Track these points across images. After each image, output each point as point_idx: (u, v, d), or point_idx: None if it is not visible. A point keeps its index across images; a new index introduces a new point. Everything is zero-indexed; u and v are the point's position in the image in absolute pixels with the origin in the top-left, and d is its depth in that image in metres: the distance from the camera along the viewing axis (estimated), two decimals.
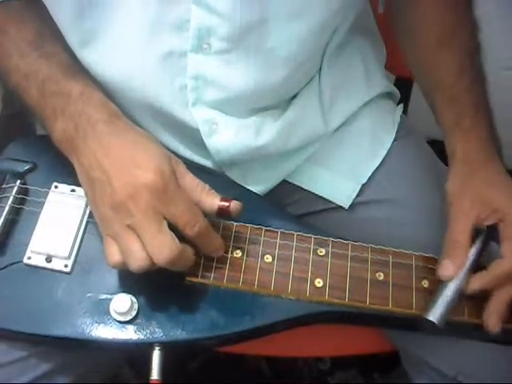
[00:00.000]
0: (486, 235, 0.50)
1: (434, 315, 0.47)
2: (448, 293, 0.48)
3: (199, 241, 0.46)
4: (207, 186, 0.48)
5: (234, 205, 0.47)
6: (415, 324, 0.49)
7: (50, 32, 0.52)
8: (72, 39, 0.52)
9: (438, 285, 0.49)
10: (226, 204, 0.47)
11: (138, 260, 0.44)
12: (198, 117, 0.54)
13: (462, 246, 0.49)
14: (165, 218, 0.44)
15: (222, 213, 0.47)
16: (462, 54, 0.58)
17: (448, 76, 0.58)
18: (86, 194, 0.48)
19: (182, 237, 0.45)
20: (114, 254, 0.45)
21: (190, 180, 0.47)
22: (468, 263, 0.49)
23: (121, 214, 0.44)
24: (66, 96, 0.48)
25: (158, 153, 0.46)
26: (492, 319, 0.48)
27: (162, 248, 0.43)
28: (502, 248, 0.49)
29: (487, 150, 0.55)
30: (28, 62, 0.50)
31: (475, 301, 0.49)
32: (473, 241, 0.50)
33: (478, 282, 0.48)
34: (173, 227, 0.44)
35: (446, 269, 0.49)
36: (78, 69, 0.51)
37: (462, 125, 0.56)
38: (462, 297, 0.48)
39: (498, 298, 0.48)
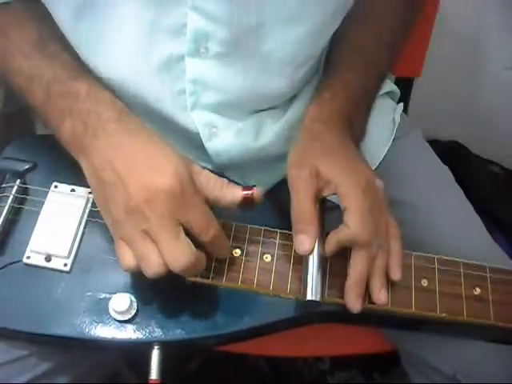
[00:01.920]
0: (321, 205, 0.49)
1: (313, 294, 0.46)
2: (314, 267, 0.47)
3: (213, 246, 0.46)
4: (225, 180, 0.47)
5: (257, 191, 0.47)
6: (418, 325, 0.49)
7: (52, 33, 0.52)
8: (72, 40, 0.52)
9: (302, 263, 0.48)
10: (250, 192, 0.47)
11: (154, 266, 0.43)
12: (198, 120, 0.54)
13: (309, 218, 0.47)
14: (180, 224, 0.44)
15: (246, 202, 0.47)
16: (373, 38, 0.58)
17: (345, 51, 0.57)
18: (96, 195, 0.47)
19: (193, 242, 0.45)
20: (129, 259, 0.44)
21: (206, 178, 0.47)
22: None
23: (136, 219, 0.43)
24: (73, 96, 0.47)
25: (173, 154, 0.45)
26: (348, 296, 0.47)
27: (180, 256, 0.43)
28: (345, 219, 0.47)
29: (335, 125, 0.52)
30: (32, 63, 0.50)
31: (474, 301, 0.49)
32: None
33: (327, 247, 0.47)
34: (187, 232, 0.44)
35: (303, 244, 0.47)
36: (82, 69, 0.51)
37: (321, 96, 0.54)
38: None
39: (352, 273, 0.47)
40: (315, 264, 0.47)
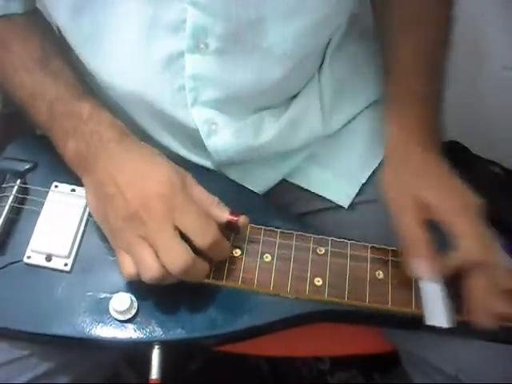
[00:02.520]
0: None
1: (446, 320, 0.46)
2: (440, 292, 0.47)
3: (211, 251, 0.46)
4: (216, 199, 0.48)
5: (243, 219, 0.48)
6: (418, 325, 0.49)
7: (54, 47, 0.53)
8: (71, 39, 0.52)
9: (419, 284, 0.48)
10: (235, 218, 0.48)
11: (151, 270, 0.44)
12: (197, 117, 0.54)
13: (421, 239, 0.47)
14: (177, 229, 0.44)
15: (231, 226, 0.48)
16: (428, 40, 0.58)
17: (404, 56, 0.58)
18: (95, 209, 0.49)
19: (195, 248, 0.45)
20: (128, 266, 0.45)
21: (199, 192, 0.48)
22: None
23: (133, 224, 0.45)
24: (76, 117, 0.49)
25: (167, 166, 0.47)
26: (480, 316, 0.46)
27: (176, 257, 0.44)
28: (458, 243, 0.47)
29: (421, 140, 0.53)
30: (34, 80, 0.51)
31: None
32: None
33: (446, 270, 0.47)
34: (185, 238, 0.45)
35: (420, 267, 0.47)
36: (84, 88, 0.53)
37: (398, 111, 0.55)
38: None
39: (475, 293, 0.47)
40: (440, 289, 0.47)
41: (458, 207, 0.47)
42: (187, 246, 0.44)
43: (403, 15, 0.59)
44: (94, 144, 0.48)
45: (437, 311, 0.47)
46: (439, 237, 0.48)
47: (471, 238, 0.46)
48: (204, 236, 0.45)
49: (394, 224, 0.49)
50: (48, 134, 0.51)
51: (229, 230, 0.48)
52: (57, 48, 0.53)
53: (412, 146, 0.53)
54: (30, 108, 0.52)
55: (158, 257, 0.44)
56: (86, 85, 0.54)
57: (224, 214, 0.48)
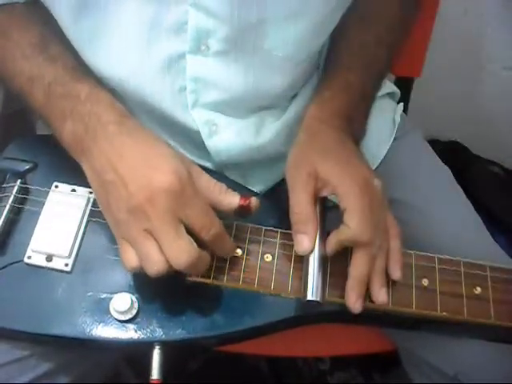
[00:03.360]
0: (321, 205, 0.49)
1: (314, 294, 0.46)
2: (314, 267, 0.47)
3: (214, 244, 0.46)
4: (224, 186, 0.48)
5: (255, 201, 0.48)
6: (418, 325, 0.49)
7: (53, 34, 0.52)
8: (73, 38, 0.52)
9: (303, 263, 0.48)
10: (247, 201, 0.47)
11: (156, 264, 0.43)
12: (198, 118, 0.54)
13: (308, 218, 0.47)
14: (182, 222, 0.44)
15: (242, 211, 0.47)
16: (372, 38, 0.58)
17: (343, 52, 0.58)
18: (98, 197, 0.47)
19: (196, 240, 0.45)
20: (131, 259, 0.45)
21: (206, 181, 0.47)
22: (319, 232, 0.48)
23: (138, 218, 0.44)
24: (74, 98, 0.48)
25: (172, 155, 0.46)
26: (349, 296, 0.47)
27: (181, 252, 0.43)
28: (345, 219, 0.47)
29: (335, 123, 0.52)
30: (33, 65, 0.50)
31: (475, 301, 0.49)
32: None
33: (328, 247, 0.47)
34: (189, 231, 0.44)
35: (302, 244, 0.47)
36: (83, 70, 0.51)
37: (321, 95, 0.55)
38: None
39: (352, 273, 0.47)
40: (316, 264, 0.47)
41: (352, 184, 0.47)
42: (192, 240, 0.44)
43: (354, 14, 0.58)
44: (92, 125, 0.46)
45: (309, 286, 0.46)
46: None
47: (354, 213, 0.46)
48: (209, 229, 0.45)
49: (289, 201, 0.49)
50: (46, 120, 0.50)
51: (239, 215, 0.48)
52: (57, 35, 0.52)
53: (324, 126, 0.52)
54: (28, 93, 0.50)
55: (162, 251, 0.43)
56: (86, 67, 0.52)
57: (235, 199, 0.47)
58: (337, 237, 0.47)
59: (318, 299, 0.46)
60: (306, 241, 0.47)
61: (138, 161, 0.45)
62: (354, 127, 0.53)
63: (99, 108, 0.47)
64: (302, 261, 0.49)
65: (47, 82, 0.49)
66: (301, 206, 0.48)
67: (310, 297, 0.46)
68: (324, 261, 0.48)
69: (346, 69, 0.56)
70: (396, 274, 0.48)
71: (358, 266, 0.47)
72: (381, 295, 0.47)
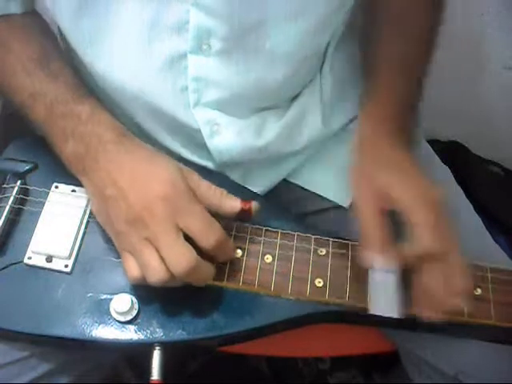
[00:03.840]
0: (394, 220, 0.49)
1: (395, 311, 0.46)
2: (392, 282, 0.47)
3: (215, 251, 0.46)
4: (225, 190, 0.48)
5: (255, 205, 0.48)
6: (418, 325, 0.49)
7: (53, 48, 0.53)
8: (73, 40, 0.52)
9: (369, 273, 0.48)
10: (248, 205, 0.48)
11: (156, 273, 0.44)
12: (200, 118, 0.54)
13: (377, 230, 0.47)
14: (180, 230, 0.44)
15: (243, 215, 0.48)
16: (413, 48, 0.59)
17: (386, 57, 0.58)
18: (98, 212, 0.48)
19: (199, 250, 0.45)
20: (133, 270, 0.45)
21: (206, 187, 0.48)
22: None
23: (137, 228, 0.44)
24: (75, 118, 0.49)
25: (169, 165, 0.47)
26: (429, 310, 0.46)
27: (180, 259, 0.43)
28: (413, 234, 0.46)
29: (391, 134, 0.53)
30: (35, 81, 0.51)
31: (474, 302, 0.49)
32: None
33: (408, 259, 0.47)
34: (189, 240, 0.44)
35: (373, 258, 0.47)
36: (84, 89, 0.52)
37: (371, 105, 0.56)
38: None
39: (427, 286, 0.47)
40: (393, 280, 0.46)
41: (416, 197, 0.47)
42: (191, 247, 0.44)
43: (388, 16, 0.59)
44: (94, 145, 0.48)
45: (387, 301, 0.46)
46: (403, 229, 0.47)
47: (426, 227, 0.46)
48: (208, 237, 0.45)
49: (355, 214, 0.49)
50: (47, 135, 0.51)
51: (241, 219, 0.49)
52: (56, 49, 0.53)
53: (380, 138, 0.53)
54: (30, 109, 0.51)
55: (162, 258, 0.44)
56: (87, 85, 0.54)
57: (236, 204, 0.48)
58: (413, 252, 0.47)
59: (399, 316, 0.46)
60: (376, 254, 0.47)
61: (136, 174, 0.46)
62: (405, 134, 0.54)
63: (100, 128, 0.48)
64: (301, 261, 0.49)
65: (49, 100, 0.50)
66: (369, 219, 0.48)
67: (390, 314, 0.46)
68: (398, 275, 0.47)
69: (393, 76, 0.57)
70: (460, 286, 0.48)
71: (434, 279, 0.46)
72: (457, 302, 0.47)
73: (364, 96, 0.58)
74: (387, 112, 0.55)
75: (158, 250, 0.44)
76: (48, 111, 0.50)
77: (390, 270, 0.47)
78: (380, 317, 0.50)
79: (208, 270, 0.46)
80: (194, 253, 0.44)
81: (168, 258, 0.44)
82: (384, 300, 0.46)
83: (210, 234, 0.45)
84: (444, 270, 0.46)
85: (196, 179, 0.48)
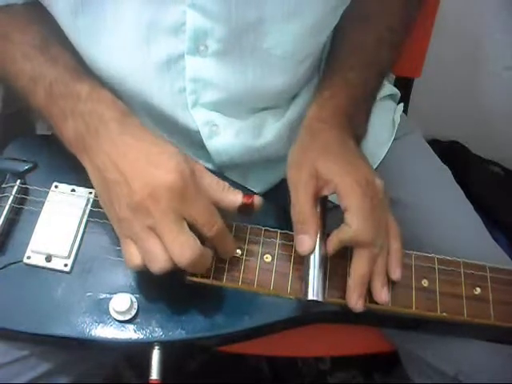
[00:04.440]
0: (322, 205, 0.49)
1: (315, 294, 0.46)
2: (315, 267, 0.47)
3: (216, 242, 0.46)
4: (227, 184, 0.48)
5: (257, 199, 0.48)
6: (418, 325, 0.49)
7: (53, 34, 0.52)
8: (71, 38, 0.52)
9: (303, 263, 0.48)
10: (250, 199, 0.47)
11: (159, 262, 0.43)
12: (198, 119, 0.54)
13: (309, 218, 0.47)
14: (184, 219, 0.44)
15: (245, 208, 0.47)
16: (372, 37, 0.58)
17: (344, 50, 0.58)
18: (100, 195, 0.47)
19: (199, 238, 0.45)
20: (135, 257, 0.45)
21: (209, 178, 0.47)
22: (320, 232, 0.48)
23: (140, 215, 0.44)
24: (74, 97, 0.48)
25: (174, 152, 0.46)
26: (350, 296, 0.47)
27: (184, 249, 0.43)
28: (346, 218, 0.47)
29: (335, 123, 0.52)
30: (34, 65, 0.50)
31: (474, 301, 0.49)
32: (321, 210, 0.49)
33: (330, 246, 0.47)
34: (191, 229, 0.44)
35: (303, 244, 0.47)
36: (84, 70, 0.51)
37: (321, 94, 0.54)
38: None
39: (353, 273, 0.47)
40: (316, 264, 0.47)
41: (351, 182, 0.47)
42: (195, 237, 0.44)
43: (354, 14, 0.58)
44: (94, 124, 0.46)
45: (309, 286, 0.46)
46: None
47: (356, 213, 0.46)
48: (212, 225, 0.45)
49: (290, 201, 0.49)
50: (47, 118, 0.50)
51: (243, 213, 0.48)
52: (57, 35, 0.52)
53: (325, 126, 0.52)
54: (30, 94, 0.50)
55: (165, 247, 0.43)
56: (87, 66, 0.53)
57: (238, 197, 0.47)
58: (338, 236, 0.47)
59: (319, 299, 0.46)
60: (307, 241, 0.47)
61: (141, 159, 0.45)
62: (354, 126, 0.53)
63: (100, 106, 0.47)
64: (302, 261, 0.49)
65: (48, 82, 0.49)
66: (302, 206, 0.48)
67: (310, 296, 0.46)
68: (324, 261, 0.48)
69: (347, 68, 0.56)
70: (396, 274, 0.48)
71: (358, 266, 0.47)
72: (383, 295, 0.47)
73: (320, 82, 0.58)
74: (339, 101, 0.54)
75: (161, 239, 0.44)
76: (47, 93, 0.49)
77: (322, 255, 0.47)
78: (380, 317, 0.50)
79: (209, 258, 0.46)
80: (198, 242, 0.44)
81: (172, 249, 0.43)
82: (312, 285, 0.46)
83: (213, 223, 0.45)
84: (373, 259, 0.47)
85: (200, 169, 0.47)
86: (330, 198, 0.64)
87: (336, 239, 0.47)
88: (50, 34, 0.52)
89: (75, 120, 0.47)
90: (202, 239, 0.45)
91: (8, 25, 0.52)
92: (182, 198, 0.43)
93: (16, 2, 0.53)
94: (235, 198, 0.47)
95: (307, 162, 0.49)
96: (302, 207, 0.48)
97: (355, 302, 0.47)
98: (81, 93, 0.48)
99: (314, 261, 0.47)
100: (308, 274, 0.47)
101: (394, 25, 0.59)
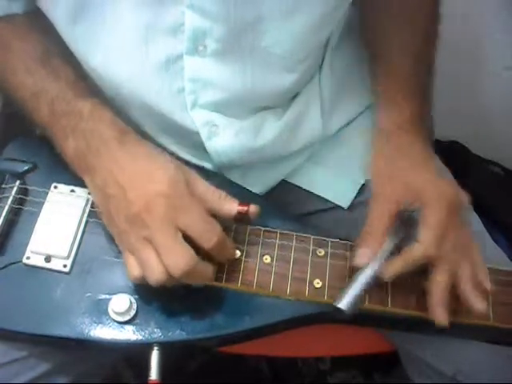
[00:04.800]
0: (407, 220, 0.49)
1: (343, 304, 0.46)
2: (360, 280, 0.47)
3: (215, 252, 0.46)
4: (223, 193, 0.48)
5: (253, 208, 0.48)
6: (418, 326, 0.49)
7: (54, 45, 0.53)
8: (70, 42, 0.52)
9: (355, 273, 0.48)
10: (245, 208, 0.48)
11: (155, 273, 0.44)
12: (198, 119, 0.54)
13: (376, 232, 0.48)
14: (180, 230, 0.44)
15: (241, 217, 0.48)
16: (420, 39, 0.59)
17: (394, 54, 0.59)
18: (102, 211, 0.48)
19: (197, 250, 0.45)
20: (134, 268, 0.45)
21: (204, 188, 0.47)
22: (382, 249, 0.48)
23: (136, 226, 0.44)
24: (76, 115, 0.49)
25: (169, 165, 0.47)
26: (437, 311, 0.47)
27: (177, 259, 0.43)
28: (418, 234, 0.47)
29: (415, 129, 0.53)
30: (36, 79, 0.51)
31: None
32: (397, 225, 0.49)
33: (391, 268, 0.47)
34: (189, 241, 0.44)
35: (360, 256, 0.48)
36: (85, 86, 0.52)
37: (391, 99, 0.56)
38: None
39: (435, 289, 0.47)
40: (363, 278, 0.47)
41: (438, 198, 0.47)
42: (190, 247, 0.44)
43: (391, 15, 0.59)
44: (95, 143, 0.47)
45: (346, 295, 0.46)
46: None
47: (430, 230, 0.46)
48: (208, 237, 0.45)
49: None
50: (49, 134, 0.51)
51: (239, 221, 0.48)
52: (58, 46, 0.53)
53: (403, 134, 0.53)
54: (32, 108, 0.51)
55: (161, 260, 0.44)
56: (88, 82, 0.53)
57: (234, 206, 0.48)
58: (405, 255, 0.47)
59: (345, 309, 0.46)
60: (366, 254, 0.48)
61: (138, 173, 0.46)
62: (427, 128, 0.55)
63: (101, 125, 0.48)
64: (301, 262, 0.49)
65: (50, 98, 0.50)
66: (375, 219, 0.49)
67: (342, 306, 0.46)
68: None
69: (406, 72, 0.58)
70: (487, 285, 0.49)
71: (439, 282, 0.47)
72: (479, 306, 0.47)
73: (378, 85, 0.59)
74: (413, 106, 0.55)
75: (156, 251, 0.44)
76: (50, 110, 0.50)
77: (373, 273, 0.47)
78: (380, 317, 0.50)
79: (207, 270, 0.46)
80: (192, 253, 0.44)
81: (166, 259, 0.43)
82: (347, 294, 0.46)
83: (209, 234, 0.45)
84: (452, 275, 0.47)
85: (195, 179, 0.48)
86: (330, 198, 0.64)
87: (403, 259, 0.47)
88: (51, 44, 0.53)
89: (76, 139, 0.48)
90: (201, 251, 0.45)
91: (9, 35, 0.53)
92: (176, 208, 0.44)
93: (17, 11, 0.53)
94: (231, 206, 0.48)
95: (397, 174, 0.50)
96: (375, 222, 0.49)
97: (443, 317, 0.47)
98: (83, 111, 0.49)
99: (363, 275, 0.47)
100: (350, 286, 0.47)
101: (432, 18, 0.61)
